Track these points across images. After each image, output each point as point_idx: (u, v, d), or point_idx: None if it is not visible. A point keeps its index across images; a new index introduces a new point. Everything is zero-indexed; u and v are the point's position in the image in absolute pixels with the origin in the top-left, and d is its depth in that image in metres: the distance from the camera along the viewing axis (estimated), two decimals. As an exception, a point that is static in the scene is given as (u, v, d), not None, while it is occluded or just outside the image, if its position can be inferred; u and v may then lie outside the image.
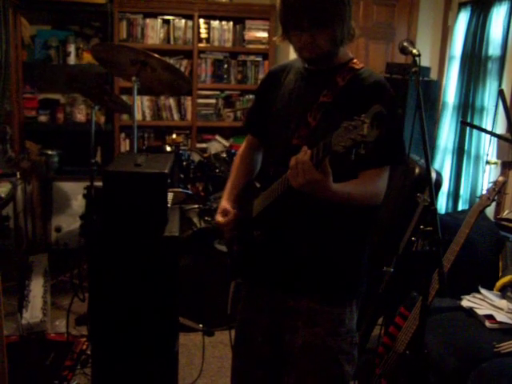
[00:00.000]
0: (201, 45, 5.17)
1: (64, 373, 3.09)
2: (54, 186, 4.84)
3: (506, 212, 3.60)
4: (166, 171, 2.34)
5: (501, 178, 2.71)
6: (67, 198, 4.89)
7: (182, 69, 5.08)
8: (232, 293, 2.84)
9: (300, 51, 1.84)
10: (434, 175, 2.97)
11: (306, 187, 1.60)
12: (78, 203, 4.81)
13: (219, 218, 2.06)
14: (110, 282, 2.42)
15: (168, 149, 4.23)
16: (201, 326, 3.65)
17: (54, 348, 3.33)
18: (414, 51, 2.03)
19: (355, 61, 1.89)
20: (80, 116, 5.05)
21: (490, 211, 3.87)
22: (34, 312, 3.54)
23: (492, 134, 3.85)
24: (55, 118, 5.04)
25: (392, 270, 2.85)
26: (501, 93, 3.21)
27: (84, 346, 3.36)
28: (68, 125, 5.05)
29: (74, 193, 4.88)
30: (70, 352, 3.30)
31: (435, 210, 1.94)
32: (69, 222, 4.83)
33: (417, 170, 3.01)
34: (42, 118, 5.00)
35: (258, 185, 1.98)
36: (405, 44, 2.10)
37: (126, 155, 2.94)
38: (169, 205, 2.46)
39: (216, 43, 5.21)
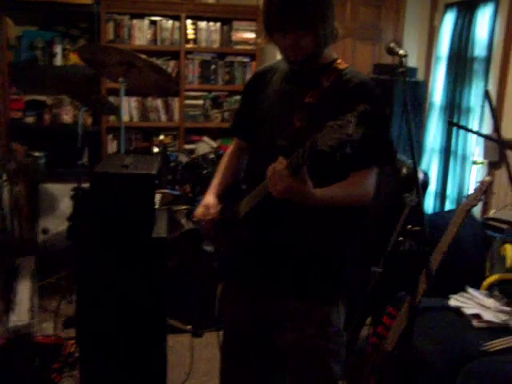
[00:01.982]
0: (188, 46, 5.16)
1: (52, 375, 3.07)
2: (40, 187, 4.81)
3: (492, 211, 3.62)
4: (154, 172, 2.33)
5: (487, 178, 2.73)
6: (54, 200, 4.86)
7: (170, 70, 5.07)
8: (219, 295, 2.84)
9: (284, 53, 1.85)
10: (421, 175, 2.99)
11: (285, 195, 1.62)
12: (66, 205, 4.78)
13: (199, 212, 2.07)
14: (97, 283, 2.41)
15: (155, 150, 4.22)
16: (189, 327, 3.64)
17: (42, 351, 3.30)
18: (401, 52, 2.04)
19: (339, 61, 1.90)
20: (67, 117, 5.02)
21: (476, 211, 3.89)
22: (21, 314, 3.52)
23: (478, 134, 3.88)
24: (42, 119, 5.00)
25: (380, 269, 2.86)
26: (487, 94, 3.23)
27: (72, 349, 3.33)
28: (55, 126, 5.02)
29: (61, 194, 4.85)
30: (57, 354, 3.27)
31: (422, 210, 1.95)
32: (56, 223, 4.80)
33: (404, 171, 3.02)
34: (29, 120, 4.97)
35: (244, 186, 1.98)
36: (391, 45, 2.11)
37: (114, 156, 2.93)
38: (156, 206, 2.46)
39: (203, 44, 5.21)
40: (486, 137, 3.73)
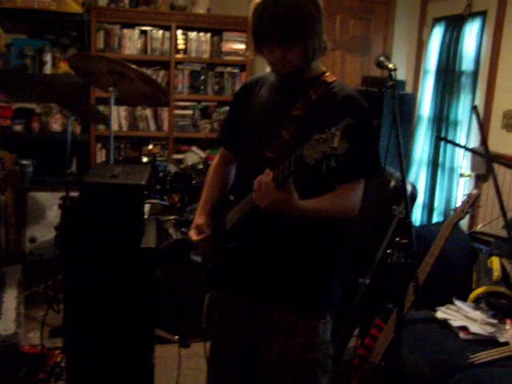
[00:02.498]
0: (178, 56, 5.18)
1: (38, 386, 3.05)
2: (28, 196, 4.78)
3: (479, 226, 3.65)
4: (143, 183, 2.33)
5: (475, 191, 2.75)
6: (42, 209, 4.83)
7: (159, 79, 5.08)
8: (206, 306, 2.84)
9: (272, 65, 1.86)
10: (409, 188, 3.00)
11: (271, 207, 1.63)
12: (53, 214, 4.75)
13: (193, 235, 2.07)
14: (85, 293, 2.41)
15: (145, 160, 4.22)
16: (176, 337, 3.62)
17: (28, 361, 3.27)
18: (390, 66, 2.06)
19: (327, 74, 1.90)
20: (55, 126, 5.00)
21: (463, 224, 3.92)
22: (6, 324, 3.47)
23: (466, 148, 3.91)
24: (30, 127, 4.98)
25: (367, 281, 2.87)
26: (474, 109, 3.26)
27: (58, 359, 3.31)
28: (43, 134, 5.00)
29: (49, 203, 4.82)
30: (43, 365, 3.25)
31: (410, 222, 1.96)
32: (43, 232, 4.77)
33: (392, 183, 3.04)
34: (17, 128, 4.95)
35: (231, 198, 1.99)
36: (381, 59, 2.13)
37: (103, 166, 2.93)
38: (145, 216, 2.46)
39: (193, 54, 5.22)
40: (473, 151, 3.77)
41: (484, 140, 3.35)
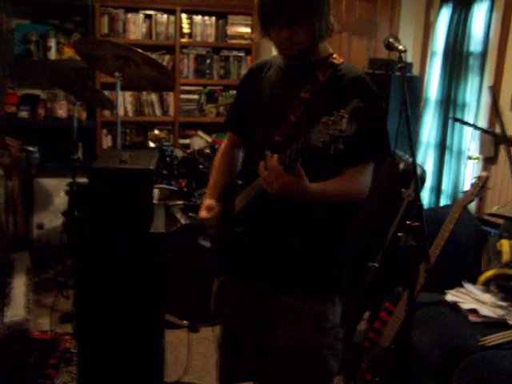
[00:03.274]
0: (183, 40, 5.14)
1: (48, 371, 3.06)
2: (35, 182, 4.78)
3: (495, 208, 3.62)
4: (152, 168, 2.33)
5: (484, 173, 2.74)
6: (49, 195, 4.83)
7: (164, 64, 5.04)
8: (215, 291, 2.84)
9: (279, 47, 1.84)
10: (418, 170, 2.99)
11: (280, 191, 1.62)
12: (60, 200, 4.75)
13: (203, 213, 2.07)
14: (95, 279, 2.41)
15: (151, 145, 4.20)
16: (185, 322, 3.63)
17: (38, 346, 3.29)
18: (400, 47, 2.04)
19: (335, 56, 1.89)
20: (61, 112, 4.99)
21: (471, 206, 3.90)
22: (16, 310, 3.51)
23: (484, 131, 3.88)
24: (36, 113, 4.97)
25: (377, 265, 2.87)
26: (491, 89, 3.23)
27: (68, 344, 3.32)
28: (49, 121, 4.99)
29: (56, 189, 4.82)
30: (53, 350, 3.27)
31: (421, 205, 1.95)
32: (51, 218, 4.78)
33: (401, 166, 3.02)
34: (23, 114, 4.93)
35: (239, 182, 1.98)
36: (390, 40, 2.10)
37: (110, 151, 2.92)
38: (154, 201, 2.45)
39: (198, 38, 5.19)
40: (493, 134, 3.74)
41: (501, 123, 3.30)
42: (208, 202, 2.09)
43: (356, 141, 1.46)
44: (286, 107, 1.84)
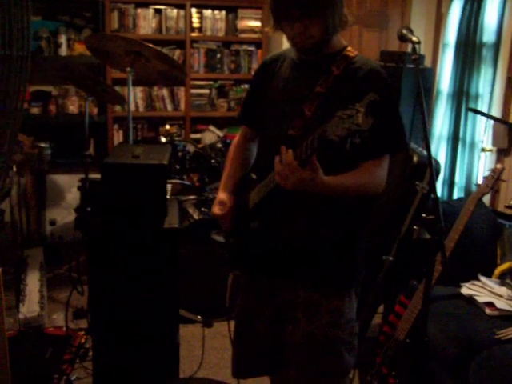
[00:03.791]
0: (193, 34, 5.13)
1: (63, 367, 3.08)
2: (47, 178, 4.81)
3: (512, 201, 3.59)
4: (166, 163, 2.32)
5: (499, 166, 2.71)
6: (61, 191, 4.85)
7: (175, 59, 5.03)
8: (230, 285, 2.84)
9: (292, 41, 1.83)
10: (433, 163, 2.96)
11: (296, 187, 1.61)
12: (73, 196, 4.78)
13: (216, 209, 2.07)
14: (109, 275, 2.41)
15: (163, 140, 4.20)
16: (199, 317, 3.64)
17: (53, 342, 3.31)
18: (414, 39, 2.03)
19: (349, 48, 1.87)
20: (72, 108, 5.00)
21: (485, 199, 3.87)
22: (31, 306, 3.52)
23: (501, 120, 3.84)
24: (47, 110, 4.98)
25: (391, 258, 2.85)
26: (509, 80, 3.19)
27: (83, 340, 3.34)
28: (60, 117, 4.99)
29: (68, 185, 4.84)
30: (68, 346, 3.28)
31: (437, 198, 1.94)
32: (63, 214, 4.80)
33: (415, 158, 3.00)
34: (34, 111, 4.94)
35: (254, 176, 1.97)
36: (404, 31, 2.09)
37: (123, 147, 2.91)
38: (168, 196, 2.45)
39: (208, 32, 5.17)
40: (509, 124, 3.71)
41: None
42: (221, 196, 2.08)
43: (372, 134, 1.44)
44: (301, 101, 1.83)
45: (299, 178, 1.59)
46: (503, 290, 2.78)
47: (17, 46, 1.63)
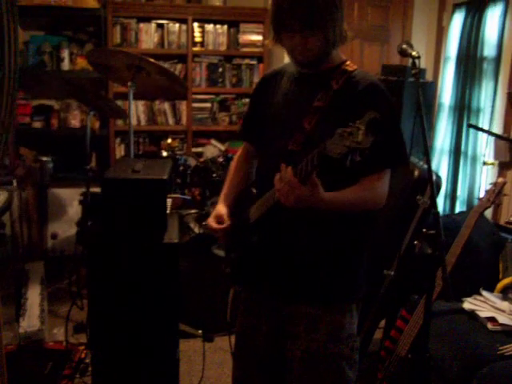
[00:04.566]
0: (195, 49, 5.15)
1: (63, 382, 3.06)
2: (49, 192, 4.81)
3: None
4: (165, 178, 2.32)
5: (500, 180, 2.71)
6: (63, 205, 4.86)
7: (177, 73, 5.05)
8: (231, 300, 2.83)
9: (292, 54, 1.83)
10: (433, 177, 2.96)
11: (297, 204, 1.60)
12: (74, 209, 4.78)
13: (212, 223, 2.05)
14: (109, 289, 2.40)
15: (164, 154, 4.20)
16: (200, 331, 3.62)
17: (53, 357, 3.30)
18: (414, 53, 2.04)
19: (348, 63, 1.87)
20: (74, 122, 5.01)
21: (487, 213, 3.86)
22: (31, 320, 3.51)
23: (500, 137, 3.84)
24: (49, 123, 4.99)
25: (392, 272, 2.84)
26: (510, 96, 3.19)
27: (83, 355, 3.32)
28: (62, 131, 5.00)
29: (70, 199, 4.85)
30: (68, 360, 3.26)
31: (437, 213, 1.93)
32: (65, 228, 4.80)
33: (416, 173, 3.00)
34: (36, 124, 4.95)
35: (254, 191, 1.97)
36: (404, 46, 2.10)
37: (124, 161, 2.91)
38: (168, 211, 2.44)
39: (210, 47, 5.19)
40: (509, 140, 3.71)
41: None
42: (219, 209, 2.08)
43: (373, 149, 1.44)
44: (300, 115, 1.83)
45: (299, 195, 1.59)
46: (505, 305, 2.77)
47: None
